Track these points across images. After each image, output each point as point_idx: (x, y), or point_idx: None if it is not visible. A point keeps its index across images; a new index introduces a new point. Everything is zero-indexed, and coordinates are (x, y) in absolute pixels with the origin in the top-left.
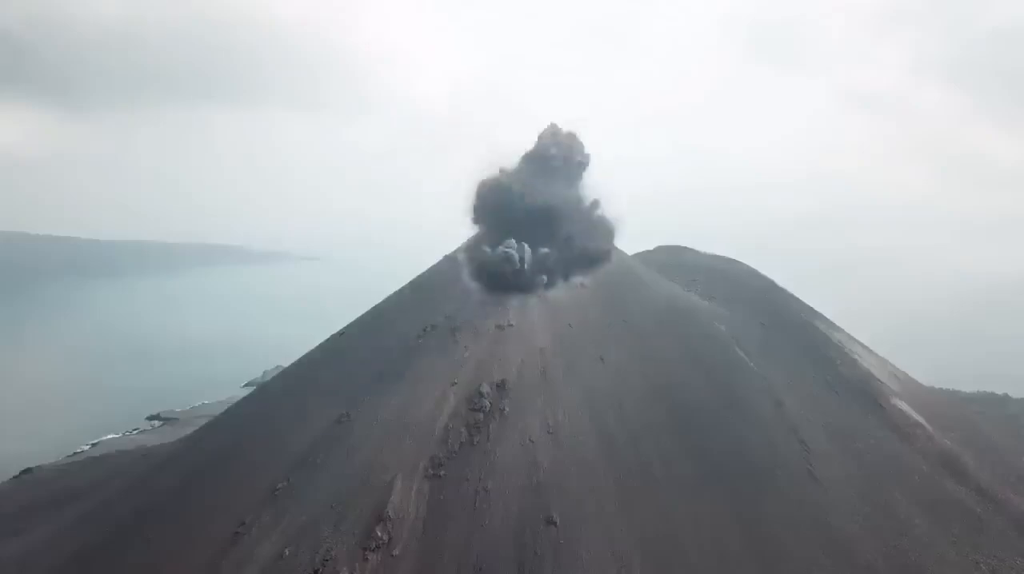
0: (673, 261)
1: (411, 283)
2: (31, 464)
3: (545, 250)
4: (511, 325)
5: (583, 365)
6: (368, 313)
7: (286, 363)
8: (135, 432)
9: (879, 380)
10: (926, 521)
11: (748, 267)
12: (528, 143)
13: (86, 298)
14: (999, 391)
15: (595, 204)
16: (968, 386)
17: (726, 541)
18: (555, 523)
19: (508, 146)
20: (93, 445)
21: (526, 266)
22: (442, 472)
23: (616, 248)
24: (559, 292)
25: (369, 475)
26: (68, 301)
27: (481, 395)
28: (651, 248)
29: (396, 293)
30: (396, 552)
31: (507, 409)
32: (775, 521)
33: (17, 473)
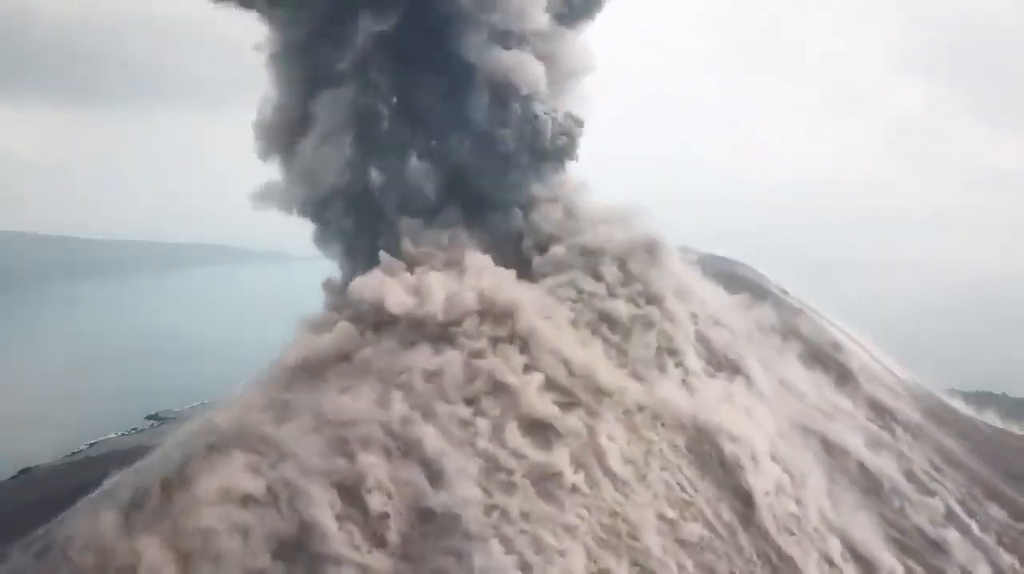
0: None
1: None
2: (29, 464)
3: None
4: None
5: None
6: None
7: None
8: (133, 432)
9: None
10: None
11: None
12: None
13: (85, 297)
14: (997, 391)
15: None
16: (966, 386)
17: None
18: None
19: None
20: (91, 445)
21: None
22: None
23: None
24: None
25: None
26: (67, 300)
27: None
28: None
29: None
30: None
31: None
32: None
33: (15, 473)
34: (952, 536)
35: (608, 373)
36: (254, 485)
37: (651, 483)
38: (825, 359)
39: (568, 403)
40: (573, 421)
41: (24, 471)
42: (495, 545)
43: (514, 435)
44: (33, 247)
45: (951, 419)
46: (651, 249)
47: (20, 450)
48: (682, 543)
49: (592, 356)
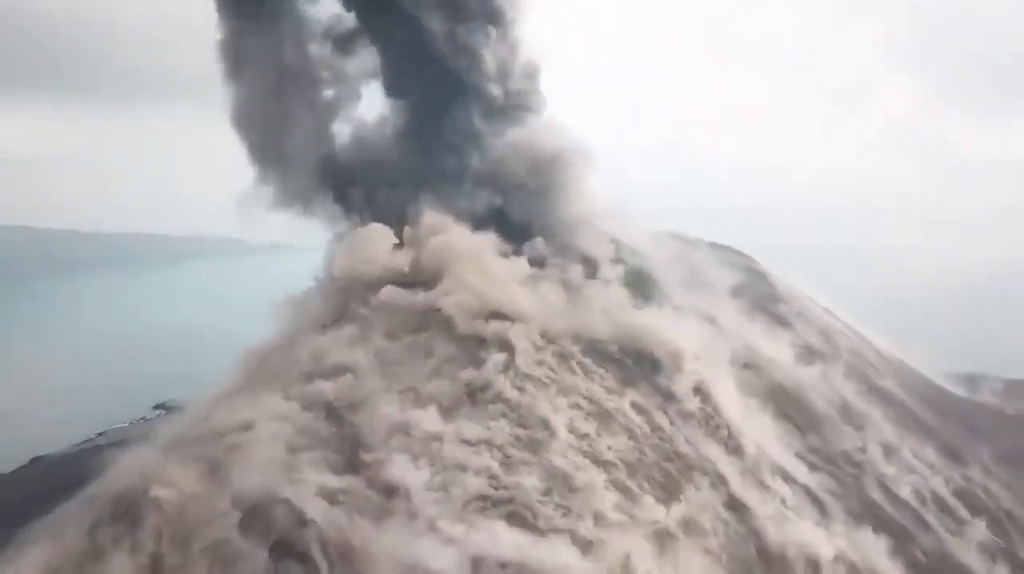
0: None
1: None
2: (41, 452)
3: None
4: None
5: None
6: None
7: None
8: (142, 421)
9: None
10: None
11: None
12: None
13: (91, 291)
14: (989, 373)
15: None
16: (957, 368)
17: None
18: None
19: None
20: (100, 434)
21: None
22: None
23: None
24: None
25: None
26: (75, 293)
27: None
28: None
29: None
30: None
31: None
32: None
33: (26, 461)
34: (875, 459)
35: (530, 293)
36: (253, 414)
37: (569, 391)
38: (759, 302)
39: (493, 319)
40: (496, 334)
41: (35, 460)
42: (403, 460)
43: (441, 350)
44: (38, 241)
45: (907, 375)
46: (563, 167)
47: (31, 440)
48: (598, 453)
49: (516, 277)
